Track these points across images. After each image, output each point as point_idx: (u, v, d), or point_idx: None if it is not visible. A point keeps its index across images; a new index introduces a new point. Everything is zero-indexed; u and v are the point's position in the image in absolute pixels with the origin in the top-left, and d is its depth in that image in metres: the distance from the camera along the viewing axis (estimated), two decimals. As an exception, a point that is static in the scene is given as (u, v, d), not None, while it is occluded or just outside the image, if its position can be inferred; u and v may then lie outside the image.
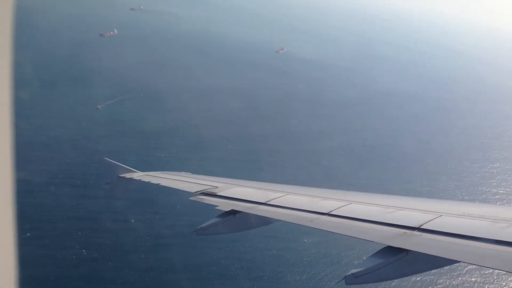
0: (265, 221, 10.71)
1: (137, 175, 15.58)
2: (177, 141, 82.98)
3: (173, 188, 13.39)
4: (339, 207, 9.57)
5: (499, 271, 59.19)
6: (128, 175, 15.69)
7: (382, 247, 7.81)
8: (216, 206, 11.01)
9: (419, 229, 7.97)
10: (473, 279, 58.26)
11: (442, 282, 56.85)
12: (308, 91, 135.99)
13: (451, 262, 7.59)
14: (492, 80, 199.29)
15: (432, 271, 50.98)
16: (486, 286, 57.79)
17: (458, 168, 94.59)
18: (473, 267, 56.88)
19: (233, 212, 10.59)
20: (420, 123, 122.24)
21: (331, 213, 9.34)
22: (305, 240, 57.45)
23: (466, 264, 53.77)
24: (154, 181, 14.48)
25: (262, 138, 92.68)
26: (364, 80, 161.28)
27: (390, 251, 7.66)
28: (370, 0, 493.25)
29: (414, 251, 7.45)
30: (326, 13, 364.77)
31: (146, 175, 15.41)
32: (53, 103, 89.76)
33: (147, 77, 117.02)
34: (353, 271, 7.40)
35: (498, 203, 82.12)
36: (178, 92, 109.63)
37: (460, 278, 57.98)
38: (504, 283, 59.25)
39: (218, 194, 11.82)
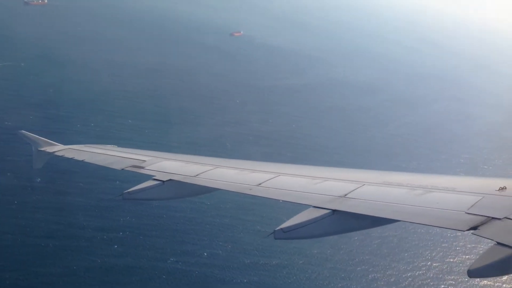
0: (197, 190, 10.88)
1: (59, 148, 14.94)
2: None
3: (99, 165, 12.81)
4: (269, 179, 9.90)
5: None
6: (48, 149, 14.98)
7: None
8: (153, 176, 10.86)
9: (344, 197, 8.52)
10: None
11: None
12: (244, 75, 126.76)
13: (375, 222, 8.16)
14: (472, 80, 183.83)
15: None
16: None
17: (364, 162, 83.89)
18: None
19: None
20: (355, 116, 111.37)
21: (261, 185, 9.70)
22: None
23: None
24: (78, 156, 13.84)
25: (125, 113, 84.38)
26: (320, 69, 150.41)
27: (316, 212, 8.01)
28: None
29: (340, 211, 7.94)
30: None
31: (69, 148, 14.91)
32: None
33: (49, 49, 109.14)
34: (282, 226, 7.71)
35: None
36: (76, 65, 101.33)
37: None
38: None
39: (147, 168, 11.68)
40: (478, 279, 54.01)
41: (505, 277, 53.56)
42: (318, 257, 54.47)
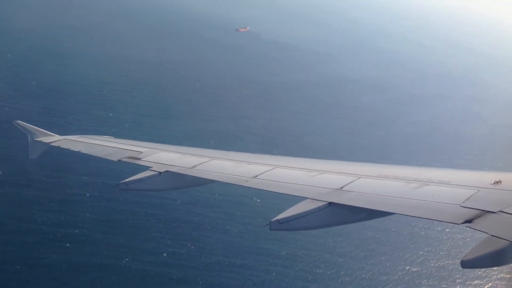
0: (194, 182, 10.97)
1: (55, 139, 14.87)
2: None
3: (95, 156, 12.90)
4: (265, 171, 9.91)
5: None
6: (45, 139, 14.87)
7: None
8: (150, 167, 10.81)
9: (341, 190, 8.53)
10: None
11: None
12: (247, 71, 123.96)
13: (370, 215, 8.13)
14: (490, 79, 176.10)
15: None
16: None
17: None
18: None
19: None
20: (359, 114, 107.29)
21: (257, 177, 9.67)
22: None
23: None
24: (74, 147, 13.94)
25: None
26: (327, 65, 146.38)
27: (312, 204, 8.01)
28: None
29: (337, 203, 7.94)
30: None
31: (65, 139, 14.82)
32: None
33: (43, 41, 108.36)
34: (278, 217, 7.66)
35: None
36: (67, 57, 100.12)
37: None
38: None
39: (143, 159, 11.60)
40: (459, 280, 50.73)
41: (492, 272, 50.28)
42: (288, 258, 51.50)
